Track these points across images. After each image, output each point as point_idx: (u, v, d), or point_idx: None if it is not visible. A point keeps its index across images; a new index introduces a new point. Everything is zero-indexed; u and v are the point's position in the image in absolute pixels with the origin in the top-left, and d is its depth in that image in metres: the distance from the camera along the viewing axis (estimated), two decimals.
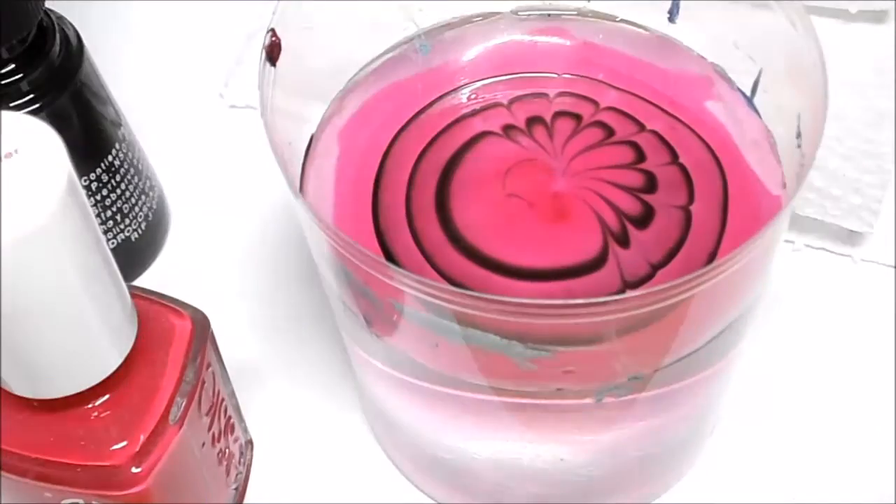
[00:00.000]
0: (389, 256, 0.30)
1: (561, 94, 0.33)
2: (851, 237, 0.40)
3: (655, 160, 0.32)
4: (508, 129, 0.32)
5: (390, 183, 0.32)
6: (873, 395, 0.37)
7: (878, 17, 0.44)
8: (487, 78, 0.34)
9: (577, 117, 0.33)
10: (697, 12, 0.33)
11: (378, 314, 0.29)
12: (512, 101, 0.33)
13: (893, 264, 0.40)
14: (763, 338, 0.38)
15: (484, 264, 0.30)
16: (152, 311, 0.31)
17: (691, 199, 0.31)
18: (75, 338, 0.28)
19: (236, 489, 0.35)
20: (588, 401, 0.30)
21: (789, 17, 0.30)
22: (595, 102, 0.33)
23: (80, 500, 0.30)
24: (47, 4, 0.36)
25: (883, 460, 0.36)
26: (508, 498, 0.35)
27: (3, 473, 0.30)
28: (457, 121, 0.33)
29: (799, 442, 0.36)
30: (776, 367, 0.38)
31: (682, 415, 0.33)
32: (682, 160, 0.31)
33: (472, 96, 0.33)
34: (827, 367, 0.38)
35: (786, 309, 0.39)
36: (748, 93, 0.32)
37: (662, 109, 0.33)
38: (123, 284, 0.29)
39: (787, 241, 0.40)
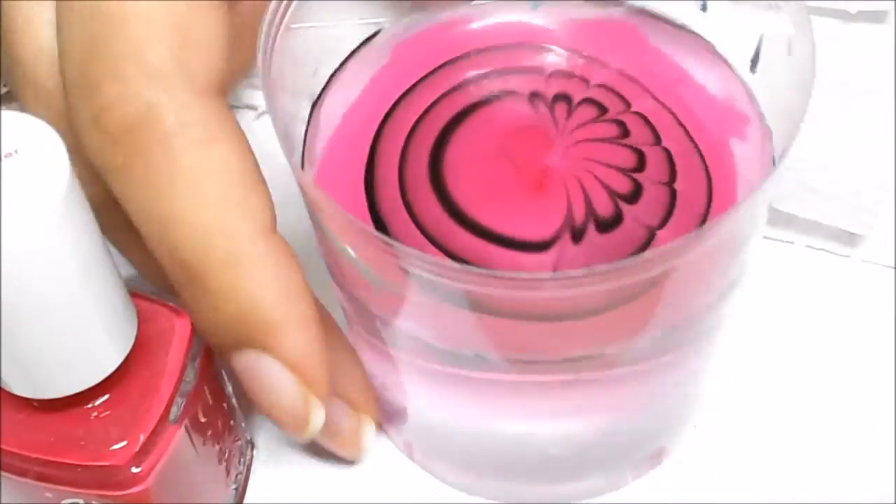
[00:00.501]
0: (386, 233, 0.30)
1: (556, 72, 0.33)
2: (851, 238, 0.40)
3: (640, 139, 0.32)
4: (506, 97, 0.32)
5: (384, 155, 0.32)
6: (873, 396, 0.37)
7: (878, 17, 0.44)
8: (489, 49, 0.34)
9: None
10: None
11: (377, 297, 0.29)
12: (510, 72, 0.33)
13: (894, 265, 0.40)
14: (763, 338, 0.38)
15: (483, 236, 0.30)
16: (152, 310, 0.31)
17: (674, 178, 0.31)
18: (75, 337, 0.28)
19: (236, 489, 0.35)
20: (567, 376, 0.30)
21: (789, 15, 0.30)
22: (586, 80, 0.33)
23: (81, 501, 0.30)
24: None
25: (883, 460, 0.36)
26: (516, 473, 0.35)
27: (3, 473, 0.30)
28: (454, 90, 0.33)
29: (799, 442, 0.36)
30: (776, 367, 0.38)
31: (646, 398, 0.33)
32: (665, 144, 0.32)
33: (472, 71, 0.33)
34: (827, 367, 0.38)
35: (786, 309, 0.39)
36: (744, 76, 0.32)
37: (647, 90, 0.33)
38: (123, 284, 0.29)
39: (787, 241, 0.40)
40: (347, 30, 0.34)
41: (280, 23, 0.30)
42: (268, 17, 0.30)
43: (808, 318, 0.39)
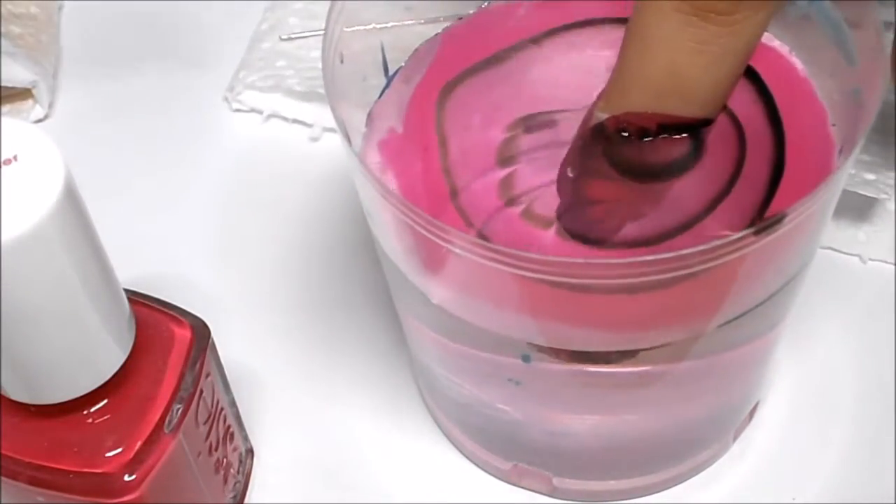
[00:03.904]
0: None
1: None
2: (862, 213, 0.39)
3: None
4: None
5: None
6: (874, 395, 0.37)
7: None
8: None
9: None
10: None
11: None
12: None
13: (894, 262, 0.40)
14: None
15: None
16: (152, 318, 0.31)
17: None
18: (72, 343, 0.28)
19: (234, 498, 0.35)
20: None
21: None
22: None
23: None
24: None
25: (883, 460, 0.36)
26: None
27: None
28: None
29: (799, 441, 0.36)
30: (776, 367, 0.37)
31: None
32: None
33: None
34: (828, 367, 0.38)
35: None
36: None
37: None
38: (122, 290, 0.29)
39: None
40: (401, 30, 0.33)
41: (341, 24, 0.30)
42: (332, 15, 0.30)
43: (812, 318, 0.38)
